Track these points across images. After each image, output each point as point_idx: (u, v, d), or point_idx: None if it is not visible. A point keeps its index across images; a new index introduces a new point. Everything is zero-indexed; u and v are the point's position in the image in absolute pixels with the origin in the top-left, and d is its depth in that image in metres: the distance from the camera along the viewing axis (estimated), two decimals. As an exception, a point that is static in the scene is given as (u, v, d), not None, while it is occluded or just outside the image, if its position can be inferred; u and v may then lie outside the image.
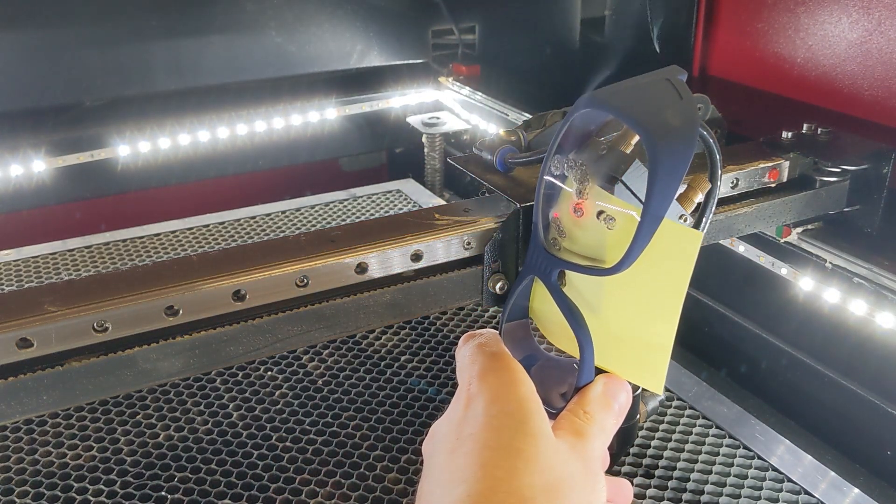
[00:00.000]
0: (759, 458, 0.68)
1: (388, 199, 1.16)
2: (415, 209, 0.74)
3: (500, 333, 0.48)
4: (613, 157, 0.46)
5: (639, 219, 0.42)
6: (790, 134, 0.72)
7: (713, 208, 0.54)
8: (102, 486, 0.65)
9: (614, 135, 0.51)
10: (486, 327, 0.87)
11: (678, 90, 0.44)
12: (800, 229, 0.74)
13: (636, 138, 0.50)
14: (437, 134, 1.20)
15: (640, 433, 0.70)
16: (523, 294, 0.49)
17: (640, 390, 0.59)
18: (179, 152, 1.13)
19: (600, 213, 0.44)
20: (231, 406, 0.75)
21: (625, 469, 0.67)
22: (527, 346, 0.50)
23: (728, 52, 1.15)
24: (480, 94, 1.18)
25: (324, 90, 1.23)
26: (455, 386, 0.74)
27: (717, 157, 0.53)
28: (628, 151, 0.47)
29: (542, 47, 1.36)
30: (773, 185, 0.69)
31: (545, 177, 0.47)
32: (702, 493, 0.65)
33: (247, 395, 0.76)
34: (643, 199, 0.46)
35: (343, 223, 1.08)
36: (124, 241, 1.03)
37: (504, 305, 0.50)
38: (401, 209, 1.13)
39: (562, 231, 0.46)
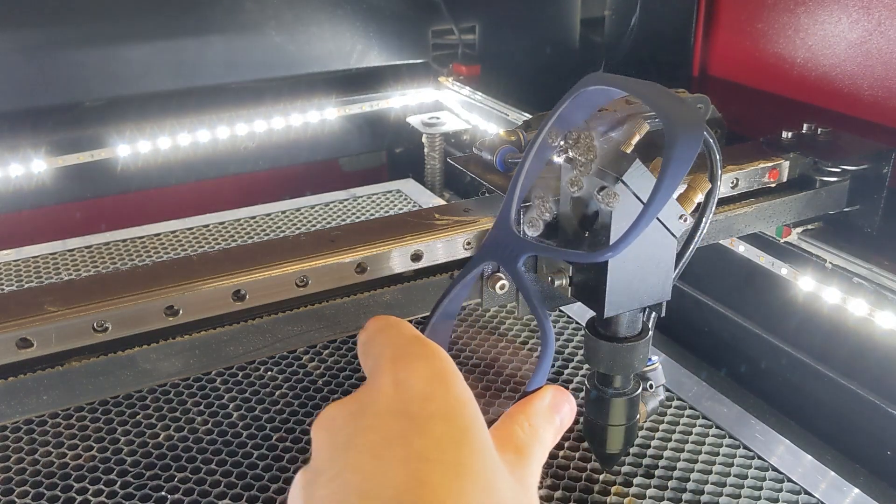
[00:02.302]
0: (759, 458, 0.68)
1: (388, 199, 1.16)
2: (415, 209, 0.74)
3: (425, 330, 0.42)
4: (615, 155, 0.46)
5: (645, 199, 0.41)
6: (790, 134, 0.72)
7: (713, 208, 0.54)
8: (102, 486, 0.65)
9: (613, 135, 0.51)
10: (486, 327, 0.87)
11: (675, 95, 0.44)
12: (800, 229, 0.74)
13: (636, 138, 0.50)
14: (437, 134, 1.20)
15: (640, 433, 0.70)
16: (465, 288, 0.43)
17: (639, 390, 0.59)
18: (179, 152, 1.13)
19: (602, 188, 0.41)
20: (231, 406, 0.75)
21: (625, 469, 0.67)
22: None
23: (728, 52, 1.16)
24: (480, 94, 1.18)
25: (324, 90, 1.23)
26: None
27: (717, 157, 0.53)
28: (629, 151, 0.47)
29: (542, 47, 1.36)
30: (773, 185, 0.69)
31: (535, 147, 0.42)
32: (702, 493, 0.65)
33: (247, 395, 0.76)
34: (644, 200, 0.46)
35: (343, 223, 1.08)
36: (124, 241, 1.03)
37: (440, 300, 0.43)
38: (401, 209, 1.13)
39: (547, 209, 0.43)
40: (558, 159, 0.46)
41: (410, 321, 0.39)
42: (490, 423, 0.37)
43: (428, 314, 0.46)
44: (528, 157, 0.42)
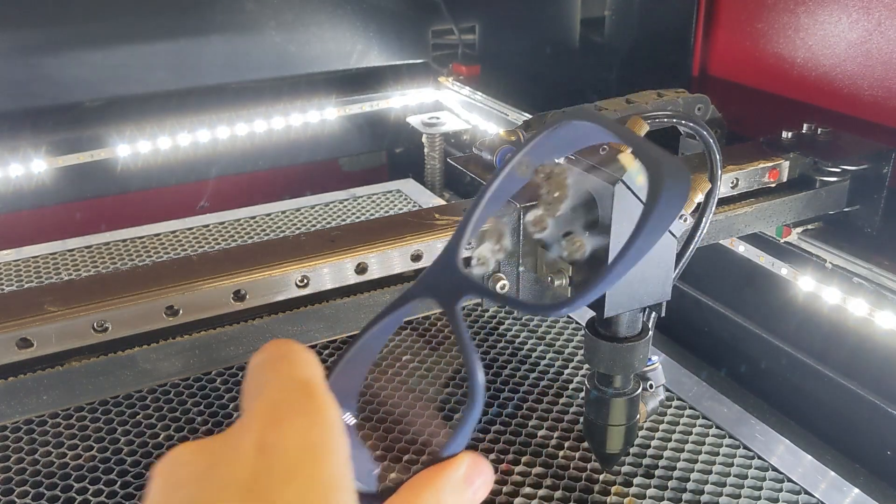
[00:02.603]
0: (759, 458, 0.68)
1: (388, 199, 1.16)
2: (415, 209, 0.74)
3: (331, 374, 0.34)
4: (614, 157, 0.46)
5: (617, 246, 0.39)
6: (790, 134, 0.72)
7: (713, 208, 0.54)
8: (102, 486, 0.65)
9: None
10: (486, 328, 0.87)
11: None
12: (800, 229, 0.74)
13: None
14: (437, 134, 1.20)
15: (640, 433, 0.70)
16: (393, 325, 0.36)
17: (639, 390, 0.59)
18: (179, 152, 1.13)
19: (568, 234, 0.35)
20: (231, 406, 0.75)
21: (625, 469, 0.67)
22: (349, 399, 0.35)
23: (728, 52, 1.15)
24: (480, 94, 1.18)
25: (324, 90, 1.23)
26: (460, 382, 0.73)
27: (717, 157, 0.53)
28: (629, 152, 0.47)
29: (542, 47, 1.36)
30: (773, 185, 0.69)
31: (501, 177, 0.36)
32: (702, 493, 0.65)
33: (247, 395, 0.76)
34: (645, 202, 0.45)
35: (343, 223, 1.08)
36: (124, 241, 1.03)
37: (359, 335, 0.35)
38: (401, 209, 1.13)
39: (501, 248, 0.37)
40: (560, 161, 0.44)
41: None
42: (390, 493, 0.32)
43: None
44: (491, 186, 0.36)
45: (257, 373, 0.31)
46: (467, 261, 0.34)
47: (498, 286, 0.56)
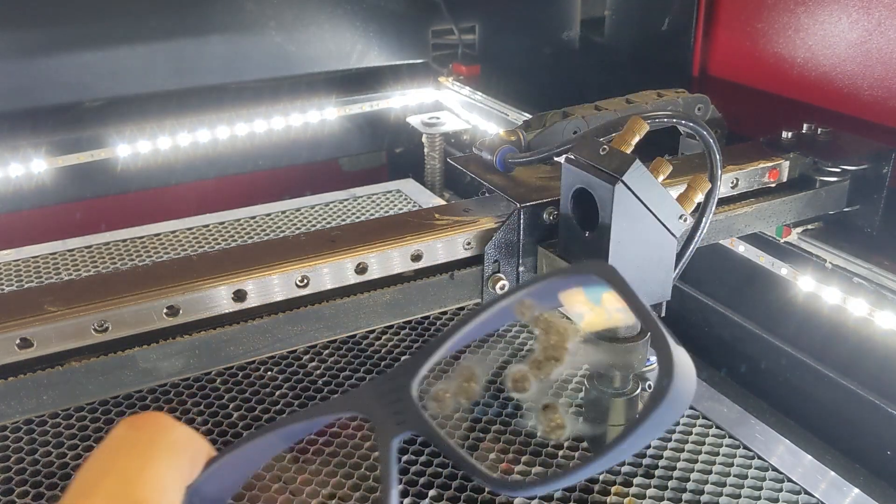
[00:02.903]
0: (759, 458, 0.68)
1: (388, 199, 1.16)
2: (415, 209, 0.74)
3: (207, 468, 0.30)
4: (615, 157, 0.46)
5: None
6: (790, 134, 0.72)
7: (713, 208, 0.54)
8: (102, 486, 0.65)
9: (614, 135, 0.51)
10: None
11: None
12: (800, 229, 0.74)
13: (636, 138, 0.50)
14: (437, 134, 1.20)
15: (640, 433, 0.70)
16: (305, 430, 0.30)
17: (639, 390, 0.59)
18: (179, 152, 1.14)
19: (546, 406, 0.29)
20: (231, 406, 0.75)
21: (625, 469, 0.67)
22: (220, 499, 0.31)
23: (728, 52, 1.16)
24: (480, 94, 1.18)
25: (324, 90, 1.23)
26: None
27: (717, 156, 0.53)
28: (629, 151, 0.47)
29: (542, 47, 1.36)
30: (773, 185, 0.69)
31: (493, 309, 0.30)
32: (702, 493, 0.65)
33: (247, 395, 0.76)
34: (647, 203, 0.45)
35: (343, 223, 1.08)
36: (124, 241, 1.03)
37: (261, 431, 0.30)
38: (401, 209, 1.13)
39: (466, 393, 0.31)
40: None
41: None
42: None
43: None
44: (479, 316, 0.30)
45: (108, 453, 0.26)
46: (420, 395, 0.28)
47: (497, 286, 0.56)
